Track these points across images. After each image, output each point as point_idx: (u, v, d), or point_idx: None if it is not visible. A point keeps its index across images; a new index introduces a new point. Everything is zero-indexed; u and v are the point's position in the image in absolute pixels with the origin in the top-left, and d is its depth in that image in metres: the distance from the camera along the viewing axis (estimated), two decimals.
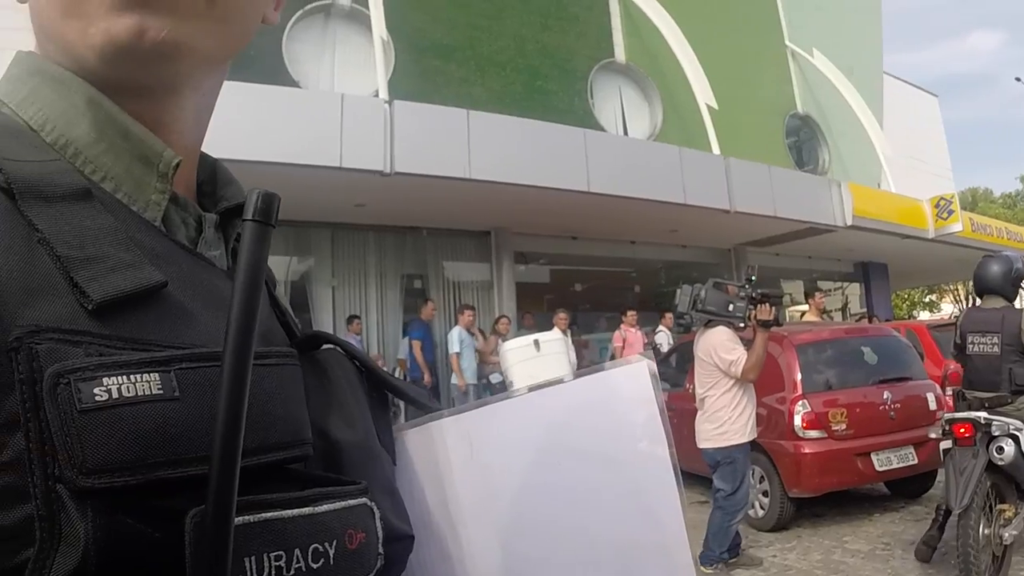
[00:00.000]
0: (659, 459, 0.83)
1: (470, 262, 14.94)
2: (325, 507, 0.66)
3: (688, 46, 17.36)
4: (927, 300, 42.48)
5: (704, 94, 17.21)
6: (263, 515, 0.61)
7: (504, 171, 11.54)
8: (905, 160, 22.75)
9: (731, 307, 6.11)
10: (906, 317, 33.00)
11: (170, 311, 0.66)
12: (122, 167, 0.72)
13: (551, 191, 12.10)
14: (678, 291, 6.37)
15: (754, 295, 6.05)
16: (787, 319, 14.89)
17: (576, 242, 16.01)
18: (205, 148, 0.87)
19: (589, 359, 14.73)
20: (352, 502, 0.70)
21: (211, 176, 0.88)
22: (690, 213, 14.08)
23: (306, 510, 0.65)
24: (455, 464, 0.93)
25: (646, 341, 13.68)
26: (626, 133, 17.29)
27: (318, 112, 10.55)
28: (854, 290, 22.75)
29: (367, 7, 13.10)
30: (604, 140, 14.35)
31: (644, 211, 13.64)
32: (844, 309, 22.36)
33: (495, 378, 11.51)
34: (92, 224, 0.65)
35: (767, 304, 5.99)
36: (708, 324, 6.30)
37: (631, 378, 0.86)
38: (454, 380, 11.71)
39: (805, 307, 13.67)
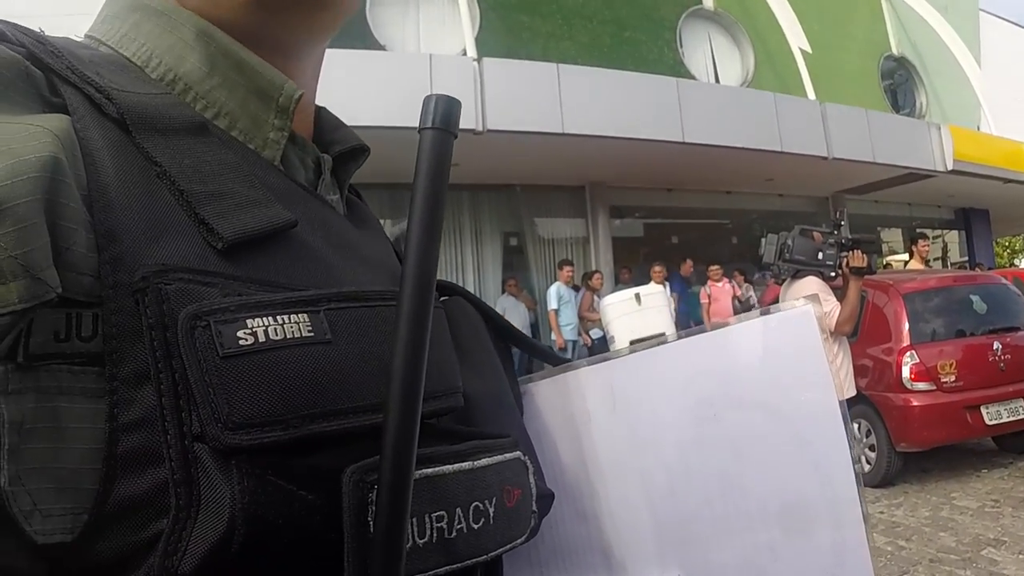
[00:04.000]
0: (827, 408, 0.78)
1: (565, 218, 14.92)
2: (484, 461, 0.62)
3: None
4: None
5: (796, 38, 16.86)
6: (423, 471, 0.56)
7: (597, 124, 11.47)
8: (1005, 100, 21.99)
9: (820, 255, 5.75)
10: (1007, 265, 31.99)
11: (300, 253, 0.61)
12: (236, 102, 0.67)
13: (645, 143, 11.98)
14: (763, 240, 6.04)
15: (844, 241, 5.71)
16: (883, 268, 14.58)
17: (671, 194, 15.88)
18: None
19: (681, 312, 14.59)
20: (508, 456, 0.66)
21: (316, 122, 0.83)
22: (786, 161, 13.83)
23: (466, 465, 0.60)
24: (595, 417, 0.87)
25: (736, 293, 13.50)
26: (718, 81, 16.95)
27: (407, 73, 10.56)
28: (953, 238, 22.14)
29: None
30: (697, 89, 14.04)
31: (739, 160, 13.45)
32: (944, 257, 21.80)
33: (595, 334, 11.50)
34: (213, 159, 0.60)
35: (859, 250, 5.67)
36: (796, 275, 5.88)
37: (794, 323, 0.81)
38: (552, 337, 11.72)
39: (904, 256, 13.31)
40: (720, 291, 13.09)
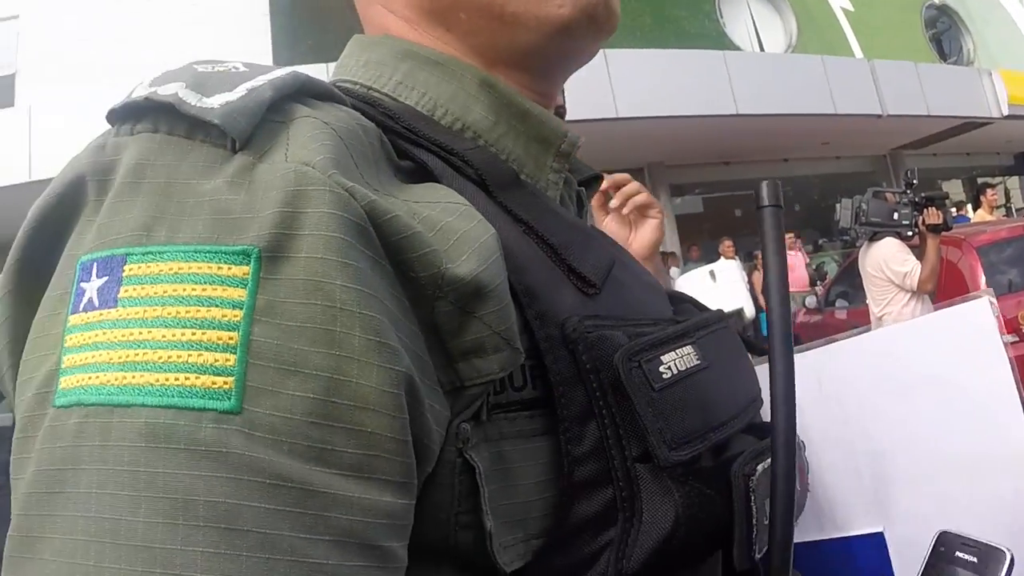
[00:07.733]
0: (1003, 383, 0.88)
1: None
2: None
3: None
4: None
5: None
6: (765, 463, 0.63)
7: (650, 105, 11.55)
8: None
9: (896, 216, 5.75)
10: None
11: (623, 286, 0.65)
12: (521, 148, 0.69)
13: (699, 119, 12.05)
14: (837, 207, 5.98)
15: (917, 199, 5.73)
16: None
17: (729, 167, 15.90)
18: None
19: None
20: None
21: None
22: (840, 122, 13.78)
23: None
24: (803, 398, 0.90)
25: (807, 262, 13.36)
26: (762, 49, 16.78)
27: None
28: (1014, 183, 21.68)
29: None
30: (744, 59, 14.02)
31: (794, 126, 13.44)
32: (1007, 205, 21.34)
33: None
34: (543, 208, 0.64)
35: (933, 207, 5.67)
36: (873, 237, 5.95)
37: (973, 313, 0.92)
38: None
39: (968, 206, 13.05)
40: (794, 259, 13.00)
